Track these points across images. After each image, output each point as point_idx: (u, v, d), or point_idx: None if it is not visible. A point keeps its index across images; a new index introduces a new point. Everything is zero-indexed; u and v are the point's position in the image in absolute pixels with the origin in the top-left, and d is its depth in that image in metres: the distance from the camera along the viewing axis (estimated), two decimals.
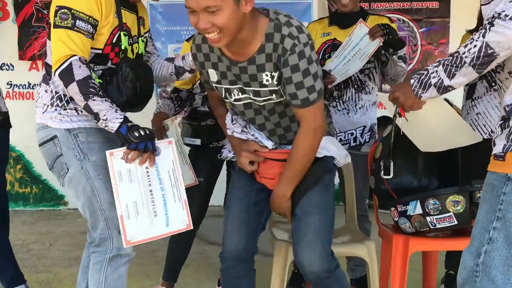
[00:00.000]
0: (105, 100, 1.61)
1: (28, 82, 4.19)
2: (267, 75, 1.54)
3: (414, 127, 1.61)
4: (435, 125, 1.64)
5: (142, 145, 1.58)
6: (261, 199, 1.75)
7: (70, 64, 1.58)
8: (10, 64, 4.18)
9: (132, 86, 1.73)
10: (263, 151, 1.68)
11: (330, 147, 1.70)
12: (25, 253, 2.75)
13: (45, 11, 3.99)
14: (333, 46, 2.38)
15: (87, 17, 1.61)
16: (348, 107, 2.39)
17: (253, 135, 1.69)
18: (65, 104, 1.73)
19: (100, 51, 1.71)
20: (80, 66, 1.59)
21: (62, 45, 1.60)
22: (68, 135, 1.72)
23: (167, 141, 1.69)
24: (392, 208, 1.95)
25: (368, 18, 2.37)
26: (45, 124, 1.74)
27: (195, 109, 2.46)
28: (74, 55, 1.59)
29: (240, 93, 1.61)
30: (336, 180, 1.82)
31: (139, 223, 1.58)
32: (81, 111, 1.71)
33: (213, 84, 1.64)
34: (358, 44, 2.22)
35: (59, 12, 1.60)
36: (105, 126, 1.62)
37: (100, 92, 1.61)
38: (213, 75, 1.63)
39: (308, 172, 1.65)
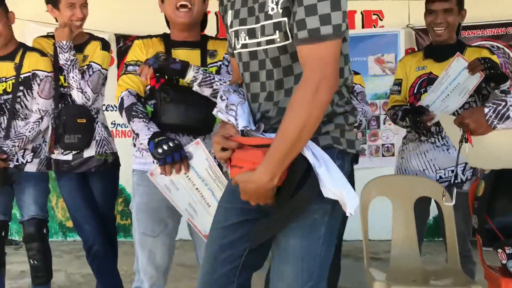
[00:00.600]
0: (143, 121, 1.83)
1: (114, 121, 4.57)
2: (272, 1, 1.19)
3: (478, 149, 1.57)
4: (502, 145, 1.61)
5: (169, 158, 1.72)
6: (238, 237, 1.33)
7: (122, 97, 1.90)
8: (114, 105, 4.57)
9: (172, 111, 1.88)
10: (239, 137, 1.26)
11: (324, 177, 1.15)
12: (129, 283, 2.91)
13: None
14: (429, 80, 2.34)
15: (134, 61, 1.98)
16: (447, 143, 2.30)
17: (234, 116, 1.29)
18: (135, 145, 2.00)
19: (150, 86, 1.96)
20: (128, 97, 1.89)
21: (118, 87, 1.97)
22: (132, 174, 2.03)
23: (194, 143, 1.81)
24: (500, 250, 1.84)
25: (466, 51, 2.31)
26: None
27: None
28: (124, 91, 1.92)
29: (247, 37, 1.28)
30: (351, 210, 1.17)
31: (202, 218, 1.78)
32: (142, 154, 1.98)
33: (228, 30, 1.37)
34: (456, 79, 2.16)
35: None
36: (141, 144, 1.85)
37: (141, 115, 1.85)
38: (229, 17, 1.35)
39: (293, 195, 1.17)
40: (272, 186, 1.14)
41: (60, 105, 2.60)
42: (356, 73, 2.64)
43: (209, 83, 1.85)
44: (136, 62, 1.96)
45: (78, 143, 2.52)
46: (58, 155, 2.60)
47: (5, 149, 2.52)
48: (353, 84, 2.33)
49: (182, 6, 1.88)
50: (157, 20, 4.28)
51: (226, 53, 1.97)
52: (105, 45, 2.66)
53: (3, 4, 2.59)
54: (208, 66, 1.99)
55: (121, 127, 4.54)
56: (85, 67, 2.57)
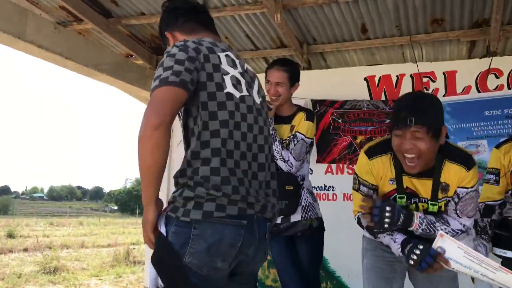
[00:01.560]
0: (387, 233, 2.04)
1: (324, 184, 4.70)
2: None
3: None
4: None
5: (424, 264, 1.84)
6: None
7: (358, 217, 2.15)
8: (310, 168, 4.79)
9: None
10: None
11: None
12: None
13: (339, 120, 4.50)
14: None
15: (369, 184, 2.13)
16: None
17: None
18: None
19: None
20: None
21: (354, 202, 2.20)
22: (363, 239, 2.39)
23: (438, 236, 1.84)
24: None
25: None
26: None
27: (506, 218, 2.33)
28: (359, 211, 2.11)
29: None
30: None
31: None
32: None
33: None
34: None
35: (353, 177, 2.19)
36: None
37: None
38: None
39: None
40: None
41: None
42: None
43: (431, 230, 2.00)
44: (369, 185, 2.12)
45: (285, 208, 2.69)
46: None
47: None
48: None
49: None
50: (352, 87, 4.54)
51: (459, 187, 2.02)
52: (309, 116, 2.81)
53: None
54: (438, 201, 2.05)
55: (316, 189, 4.69)
56: (291, 137, 2.76)
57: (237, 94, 1.62)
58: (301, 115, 2.81)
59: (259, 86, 1.82)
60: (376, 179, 2.09)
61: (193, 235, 1.45)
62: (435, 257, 1.83)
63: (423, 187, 2.02)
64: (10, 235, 16.40)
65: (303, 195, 2.76)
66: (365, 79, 4.61)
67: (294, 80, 2.85)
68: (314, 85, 4.38)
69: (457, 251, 1.80)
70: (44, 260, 9.10)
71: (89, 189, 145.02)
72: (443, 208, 2.07)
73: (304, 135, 2.74)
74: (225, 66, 1.64)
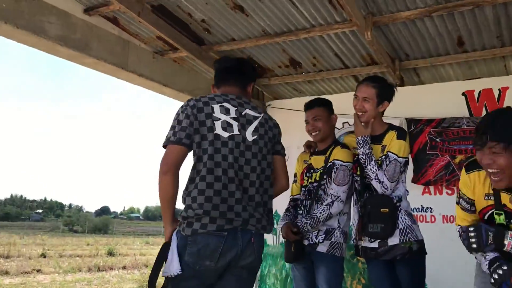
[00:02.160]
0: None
1: (421, 205, 4.47)
2: None
3: None
4: None
5: (505, 285, 1.84)
6: None
7: (459, 230, 2.21)
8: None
9: None
10: None
11: None
12: None
13: (437, 139, 4.28)
14: None
15: (468, 199, 2.15)
16: None
17: None
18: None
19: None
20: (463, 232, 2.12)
21: (457, 216, 2.24)
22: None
23: None
24: None
25: None
26: None
27: None
28: (461, 224, 2.20)
29: None
30: None
31: None
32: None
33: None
34: None
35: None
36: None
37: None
38: None
39: None
40: None
41: (365, 194, 2.78)
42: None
43: None
44: (467, 199, 2.15)
45: (381, 232, 2.60)
46: (364, 242, 2.74)
47: (299, 224, 2.84)
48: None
49: None
50: (449, 103, 4.31)
51: None
52: (401, 134, 2.72)
53: (329, 106, 3.10)
54: None
55: (412, 210, 4.47)
56: (383, 157, 2.68)
57: (225, 135, 2.17)
58: (392, 134, 2.73)
59: (258, 126, 2.30)
60: (473, 194, 2.11)
61: (189, 241, 2.09)
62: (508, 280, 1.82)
63: None
64: (110, 253, 17.46)
65: (401, 218, 2.65)
66: (463, 94, 4.38)
67: (382, 97, 2.77)
68: (407, 102, 4.23)
69: None
70: (142, 277, 9.55)
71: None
72: None
73: (396, 155, 2.65)
74: (217, 114, 2.20)
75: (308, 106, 3.12)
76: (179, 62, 4.68)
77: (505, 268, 1.83)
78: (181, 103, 2.25)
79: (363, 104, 2.75)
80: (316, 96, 4.78)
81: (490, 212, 2.03)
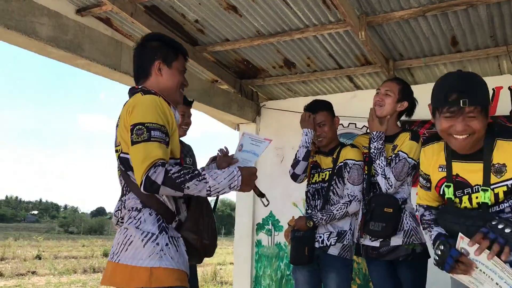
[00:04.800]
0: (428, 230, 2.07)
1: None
2: None
3: None
4: None
5: (447, 266, 1.75)
6: None
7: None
8: None
9: None
10: None
11: None
12: None
13: None
14: None
15: (423, 173, 2.09)
16: None
17: None
18: None
19: None
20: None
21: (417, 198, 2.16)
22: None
23: (459, 239, 1.73)
24: None
25: None
26: None
27: None
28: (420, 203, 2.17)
29: None
30: None
31: None
32: None
33: None
34: None
35: None
36: None
37: (425, 224, 2.10)
38: None
39: None
40: None
41: (371, 192, 2.78)
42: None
43: None
44: (424, 175, 2.06)
45: (381, 231, 2.59)
46: (366, 240, 2.73)
47: (314, 219, 2.83)
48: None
49: None
50: None
51: None
52: (415, 136, 2.73)
53: (330, 109, 3.08)
54: (492, 186, 1.81)
55: None
56: (393, 156, 2.68)
57: None
58: (405, 135, 2.74)
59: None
60: (427, 168, 2.02)
61: None
62: (456, 258, 1.71)
63: (474, 173, 1.84)
64: (106, 254, 17.38)
65: (405, 219, 2.65)
66: None
67: (404, 95, 2.80)
68: None
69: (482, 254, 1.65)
70: None
71: None
72: (501, 197, 1.80)
73: (407, 155, 2.65)
74: None
75: (312, 111, 3.06)
76: None
77: (442, 247, 1.78)
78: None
79: (384, 97, 2.77)
80: (313, 98, 4.79)
81: (444, 185, 1.94)
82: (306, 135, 2.96)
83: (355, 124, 4.88)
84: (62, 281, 10.59)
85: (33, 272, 11.84)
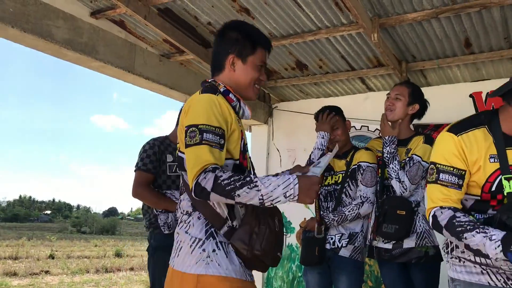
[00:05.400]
0: (476, 231, 1.55)
1: None
2: None
3: None
4: None
5: None
6: None
7: (433, 215, 1.75)
8: None
9: None
10: None
11: None
12: None
13: None
14: None
15: (450, 168, 1.71)
16: None
17: None
18: (451, 251, 1.77)
19: None
20: (441, 213, 1.69)
21: (427, 201, 1.82)
22: (452, 284, 1.75)
23: None
24: None
25: None
26: None
27: None
28: (435, 207, 1.75)
29: None
30: None
31: None
32: (464, 261, 1.69)
33: None
34: None
35: None
36: (495, 257, 1.49)
37: (468, 226, 1.59)
38: None
39: None
40: None
41: (384, 195, 2.78)
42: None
43: None
44: (454, 171, 1.67)
45: (394, 233, 2.59)
46: (379, 242, 2.73)
47: (325, 220, 2.85)
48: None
49: None
50: (456, 104, 4.29)
51: None
52: (428, 139, 2.73)
53: (342, 113, 3.11)
54: None
55: None
56: (407, 159, 2.68)
57: None
58: (419, 138, 2.76)
59: None
60: (466, 161, 1.66)
61: None
62: None
63: None
64: (118, 254, 17.52)
65: (418, 222, 2.65)
66: (471, 95, 4.35)
67: (415, 98, 2.81)
68: None
69: None
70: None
71: None
72: None
73: (421, 158, 2.66)
74: None
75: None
76: (186, 65, 4.69)
77: None
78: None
79: (394, 102, 2.79)
80: (325, 99, 4.79)
81: (498, 178, 1.61)
82: (323, 138, 2.97)
83: (368, 126, 4.87)
84: (75, 280, 10.69)
85: (46, 272, 11.97)
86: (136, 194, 3.03)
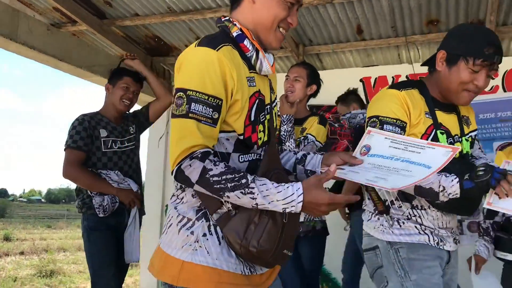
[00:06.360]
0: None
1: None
2: None
3: None
4: None
5: (494, 181, 1.55)
6: None
7: None
8: None
9: None
10: None
11: None
12: None
13: (336, 125, 4.47)
14: None
15: (393, 120, 1.71)
16: None
17: None
18: (381, 213, 1.79)
19: None
20: None
21: None
22: (390, 249, 1.75)
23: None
24: None
25: None
26: (367, 232, 1.85)
27: (508, 219, 2.32)
28: None
29: None
30: None
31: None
32: (403, 223, 1.73)
33: None
34: None
35: None
36: (451, 193, 1.57)
37: None
38: None
39: None
40: None
41: None
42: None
43: None
44: (397, 122, 1.70)
45: None
46: None
47: None
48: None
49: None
50: (343, 91, 4.52)
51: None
52: (322, 120, 2.83)
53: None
54: (465, 136, 1.83)
55: None
56: (302, 138, 2.75)
57: None
58: (314, 119, 2.84)
59: None
60: (409, 115, 1.73)
61: None
62: (504, 172, 1.58)
63: (452, 123, 1.80)
64: (7, 238, 16.31)
65: None
66: (361, 80, 4.60)
67: (312, 79, 2.86)
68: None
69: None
70: (41, 263, 9.06)
71: None
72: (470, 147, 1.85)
73: (315, 138, 2.75)
74: None
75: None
76: (78, 36, 4.42)
77: (483, 168, 1.57)
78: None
79: (294, 83, 2.83)
80: None
81: (433, 132, 1.74)
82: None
83: None
84: None
85: None
86: (66, 174, 2.77)
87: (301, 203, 1.23)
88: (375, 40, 4.27)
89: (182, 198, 1.36)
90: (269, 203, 1.22)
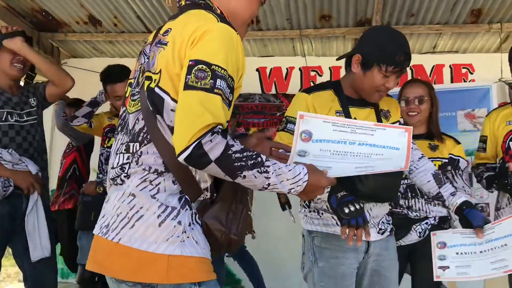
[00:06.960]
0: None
1: None
2: None
3: None
4: None
5: (354, 221, 1.56)
6: None
7: None
8: None
9: None
10: None
11: None
12: None
13: (234, 112, 4.53)
14: None
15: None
16: None
17: None
18: (308, 205, 1.91)
19: None
20: None
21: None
22: (308, 236, 1.90)
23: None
24: None
25: None
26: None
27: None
28: None
29: None
30: None
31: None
32: (322, 214, 1.85)
33: None
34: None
35: None
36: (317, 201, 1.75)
37: None
38: None
39: None
40: None
41: None
42: (458, 143, 2.59)
43: None
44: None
45: None
46: None
47: (104, 184, 2.80)
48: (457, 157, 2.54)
49: None
50: (245, 77, 4.58)
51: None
52: None
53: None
54: None
55: None
56: None
57: None
58: None
59: None
60: (322, 113, 1.81)
61: None
62: (366, 222, 1.59)
63: (369, 118, 1.91)
64: None
65: None
66: (257, 70, 4.68)
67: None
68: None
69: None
70: None
71: None
72: None
73: None
74: None
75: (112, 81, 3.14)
76: None
77: (356, 206, 1.59)
78: None
79: None
80: (120, 60, 4.60)
81: None
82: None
83: None
84: None
85: None
86: None
87: (306, 183, 1.23)
88: (271, 31, 4.35)
89: (158, 184, 1.21)
90: (280, 182, 1.19)
